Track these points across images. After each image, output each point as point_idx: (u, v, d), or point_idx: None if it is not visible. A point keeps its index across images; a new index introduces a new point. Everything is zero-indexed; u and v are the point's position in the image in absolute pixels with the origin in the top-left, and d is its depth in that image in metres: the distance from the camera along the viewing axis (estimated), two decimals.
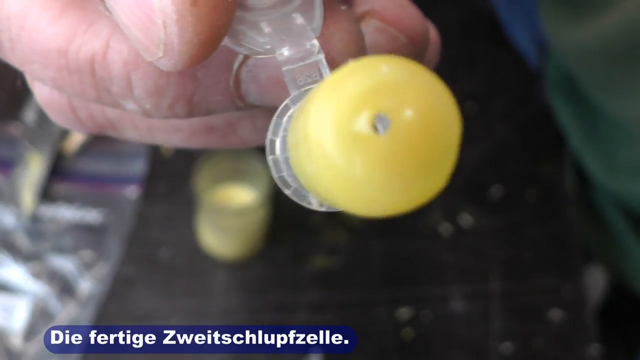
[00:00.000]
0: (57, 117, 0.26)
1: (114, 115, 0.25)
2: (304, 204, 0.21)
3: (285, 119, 0.21)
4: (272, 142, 0.21)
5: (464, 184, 0.70)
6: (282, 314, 0.63)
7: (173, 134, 0.26)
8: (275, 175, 0.21)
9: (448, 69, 0.85)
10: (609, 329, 0.66)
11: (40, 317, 0.62)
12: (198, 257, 0.66)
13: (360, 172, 0.16)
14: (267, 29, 0.21)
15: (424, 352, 0.62)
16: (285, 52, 0.21)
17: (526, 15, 0.70)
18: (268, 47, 0.21)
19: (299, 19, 0.21)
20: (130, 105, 0.22)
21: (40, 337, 0.61)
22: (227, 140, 0.26)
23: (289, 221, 0.67)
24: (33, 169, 0.68)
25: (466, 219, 0.68)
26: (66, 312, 0.63)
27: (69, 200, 0.68)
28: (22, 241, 0.66)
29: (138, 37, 0.19)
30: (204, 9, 0.18)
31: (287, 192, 0.21)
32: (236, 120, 0.25)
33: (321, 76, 0.21)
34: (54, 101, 0.25)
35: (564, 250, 0.67)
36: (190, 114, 0.22)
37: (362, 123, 0.16)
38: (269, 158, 0.21)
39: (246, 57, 0.21)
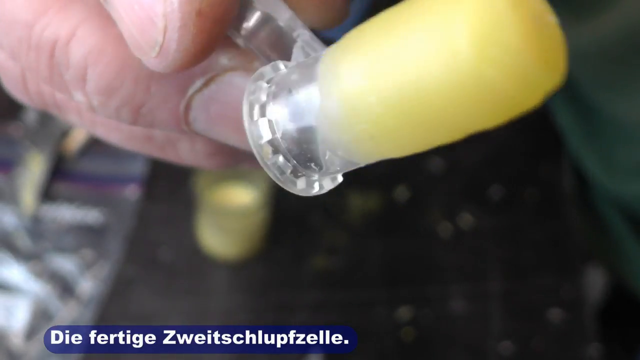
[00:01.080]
0: (7, 83, 0.26)
1: (61, 97, 0.25)
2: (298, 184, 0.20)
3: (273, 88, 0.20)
4: (270, 123, 0.19)
5: (464, 184, 0.70)
6: (282, 314, 0.63)
7: (113, 132, 0.26)
8: (271, 159, 0.20)
9: None
10: (609, 329, 0.66)
11: (41, 316, 0.62)
12: (198, 257, 0.66)
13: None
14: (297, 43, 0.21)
15: (424, 352, 0.62)
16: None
17: None
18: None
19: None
20: (79, 97, 0.22)
21: (41, 337, 0.62)
22: (164, 153, 0.26)
23: (289, 221, 0.67)
24: (34, 169, 0.68)
25: (466, 219, 0.68)
26: (66, 312, 0.63)
27: (70, 200, 0.68)
28: (23, 241, 0.66)
29: (132, 34, 0.19)
30: (207, 21, 0.19)
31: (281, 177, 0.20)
32: (176, 138, 0.25)
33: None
34: (7, 67, 0.25)
35: (563, 250, 0.67)
36: (134, 122, 0.22)
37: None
38: (263, 142, 0.19)
39: (203, 86, 0.21)
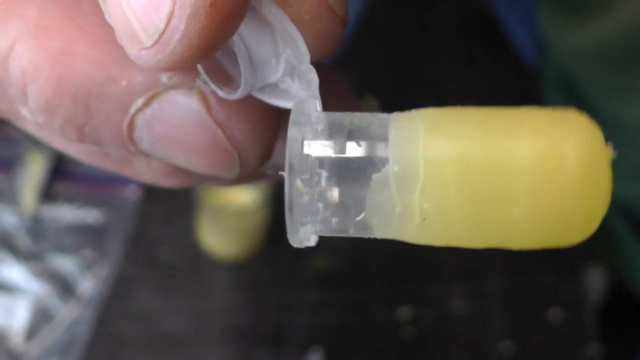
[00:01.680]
0: None
1: (15, 111, 0.24)
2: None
3: (301, 154, 0.18)
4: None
5: None
6: (282, 314, 0.63)
7: (69, 147, 0.25)
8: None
9: (448, 69, 0.85)
10: (608, 329, 0.66)
11: (41, 316, 0.62)
12: (198, 257, 0.66)
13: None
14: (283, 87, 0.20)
15: (424, 352, 0.62)
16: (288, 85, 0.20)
17: (525, 16, 0.70)
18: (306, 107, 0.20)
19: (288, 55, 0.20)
20: (25, 113, 0.21)
21: (41, 337, 0.62)
22: (121, 169, 0.25)
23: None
24: (34, 169, 0.68)
25: None
26: (67, 312, 0.63)
27: (70, 200, 0.68)
28: (23, 241, 0.66)
29: (127, 17, 0.18)
30: (220, 15, 0.17)
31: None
32: (131, 155, 0.24)
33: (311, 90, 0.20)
34: None
35: (563, 250, 0.67)
36: (81, 140, 0.21)
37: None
38: (302, 177, 0.18)
39: (145, 104, 0.20)
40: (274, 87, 0.21)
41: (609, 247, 0.67)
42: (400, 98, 0.74)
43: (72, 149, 0.25)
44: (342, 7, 0.22)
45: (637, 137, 0.58)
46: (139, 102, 0.20)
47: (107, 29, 0.19)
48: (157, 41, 0.17)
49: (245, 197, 0.66)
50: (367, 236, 0.19)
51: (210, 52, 0.18)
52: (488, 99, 0.74)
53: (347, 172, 0.18)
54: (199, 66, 0.20)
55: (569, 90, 0.66)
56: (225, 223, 0.64)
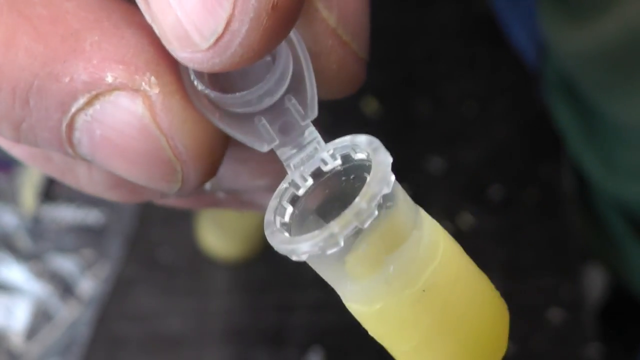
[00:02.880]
0: None
1: None
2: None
3: (284, 202, 0.20)
4: (269, 221, 0.20)
5: (464, 184, 0.70)
6: (282, 314, 0.63)
7: (13, 148, 0.24)
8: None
9: (448, 69, 0.85)
10: (608, 329, 0.66)
11: (41, 316, 0.62)
12: (198, 257, 0.66)
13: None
14: (262, 125, 0.20)
15: None
16: (287, 151, 0.20)
17: (525, 17, 0.70)
18: (267, 149, 0.20)
19: (293, 104, 0.20)
20: None
21: (41, 337, 0.62)
22: (64, 177, 0.24)
23: None
24: (34, 169, 0.68)
25: (466, 219, 0.68)
26: (67, 312, 0.63)
27: (70, 200, 0.68)
28: (23, 241, 0.66)
29: (179, 19, 0.17)
30: (281, 18, 0.17)
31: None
32: (73, 162, 0.23)
33: (316, 150, 0.20)
34: None
35: (563, 250, 0.67)
36: (17, 139, 0.20)
37: None
38: (267, 231, 0.19)
39: (86, 104, 0.19)
40: (247, 119, 0.20)
41: (608, 247, 0.67)
42: (400, 98, 0.74)
43: (17, 151, 0.24)
44: (366, 51, 0.22)
45: (636, 138, 0.58)
46: (81, 101, 0.19)
47: (57, 24, 0.19)
48: (214, 44, 0.17)
49: None
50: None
51: (265, 54, 0.18)
52: (488, 99, 0.74)
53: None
54: (190, 71, 0.20)
55: (568, 91, 0.66)
56: (225, 223, 0.64)
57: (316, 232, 0.18)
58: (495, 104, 0.74)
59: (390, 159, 0.19)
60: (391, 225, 0.19)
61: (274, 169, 0.23)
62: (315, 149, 0.20)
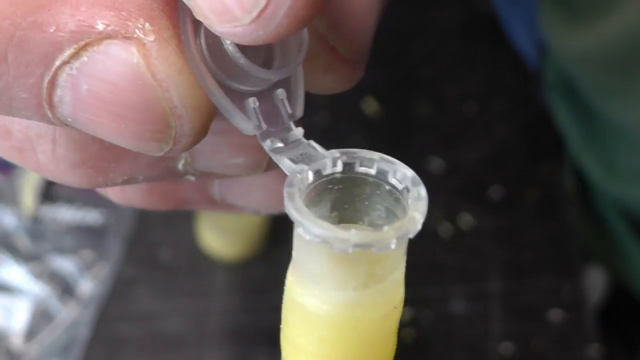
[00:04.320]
0: None
1: None
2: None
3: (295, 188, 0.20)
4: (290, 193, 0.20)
5: (464, 184, 0.70)
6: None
7: None
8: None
9: (448, 69, 0.85)
10: (609, 329, 0.66)
11: (41, 317, 0.62)
12: (198, 257, 0.66)
13: None
14: (254, 108, 0.20)
15: (424, 353, 0.62)
16: (272, 143, 0.20)
17: (526, 17, 0.70)
18: (253, 132, 0.20)
19: (282, 99, 0.20)
20: None
21: (41, 338, 0.62)
22: (22, 155, 0.22)
23: (289, 221, 0.67)
24: None
25: (466, 219, 0.68)
26: (67, 313, 0.63)
27: (70, 200, 0.68)
28: (23, 241, 0.66)
29: None
30: None
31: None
32: (36, 136, 0.21)
33: (315, 152, 0.20)
34: None
35: (563, 250, 0.67)
36: None
37: None
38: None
39: (72, 56, 0.17)
40: (238, 97, 0.20)
41: (609, 248, 0.67)
42: (400, 98, 0.74)
43: None
44: (360, 53, 0.21)
45: (636, 140, 0.58)
46: (67, 52, 0.17)
47: None
48: (257, 17, 0.16)
49: None
50: None
51: (308, 23, 0.17)
52: (488, 100, 0.74)
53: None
54: (202, 36, 0.18)
55: (569, 92, 0.66)
56: (225, 223, 0.64)
57: (336, 228, 0.18)
58: (495, 104, 0.74)
59: (425, 192, 0.20)
60: (396, 257, 0.20)
61: (254, 144, 0.22)
62: (311, 149, 0.20)
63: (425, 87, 0.74)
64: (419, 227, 0.19)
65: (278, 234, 0.67)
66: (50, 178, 0.22)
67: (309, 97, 0.21)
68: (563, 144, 0.69)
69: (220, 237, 0.65)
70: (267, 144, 0.20)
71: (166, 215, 0.68)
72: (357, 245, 0.18)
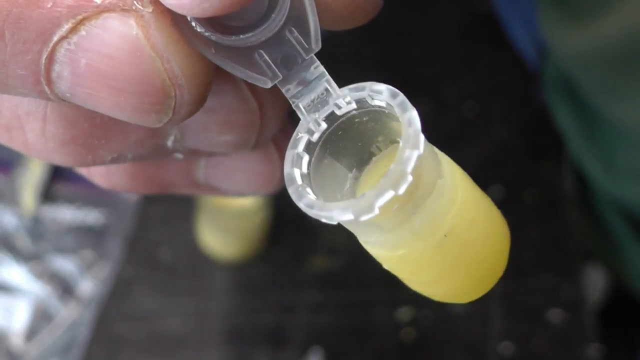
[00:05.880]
0: None
1: None
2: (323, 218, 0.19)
3: (300, 150, 0.20)
4: (290, 175, 0.19)
5: None
6: (282, 314, 0.63)
7: None
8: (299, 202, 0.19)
9: (448, 69, 0.85)
10: (609, 329, 0.66)
11: (41, 317, 0.62)
12: (198, 257, 0.66)
13: None
14: (263, 59, 0.19)
15: (424, 352, 0.62)
16: (292, 88, 0.19)
17: (526, 17, 0.70)
18: (270, 84, 0.19)
19: (295, 36, 0.19)
20: None
21: (41, 338, 0.62)
22: (10, 134, 0.21)
23: (289, 221, 0.67)
24: (34, 170, 0.68)
25: None
26: (67, 313, 0.63)
27: (70, 200, 0.68)
28: (23, 241, 0.66)
29: None
30: None
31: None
32: (25, 114, 0.21)
33: (329, 93, 0.20)
34: None
35: (563, 250, 0.67)
36: None
37: None
38: (290, 189, 0.19)
39: (70, 31, 0.17)
40: (245, 53, 0.19)
41: (609, 248, 0.67)
42: None
43: None
44: None
45: (636, 139, 0.58)
46: (65, 28, 0.17)
47: None
48: None
49: (245, 197, 0.66)
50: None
51: None
52: (488, 99, 0.74)
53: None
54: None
55: (568, 91, 0.65)
56: (225, 223, 0.64)
57: (353, 201, 0.18)
58: (495, 104, 0.74)
59: (417, 116, 0.19)
60: (421, 183, 0.19)
61: (244, 119, 0.22)
62: (327, 89, 0.20)
63: (425, 87, 0.74)
64: (403, 170, 0.18)
65: (278, 234, 0.67)
66: (38, 157, 0.22)
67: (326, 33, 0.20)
68: (563, 144, 0.69)
69: (220, 237, 0.65)
70: (285, 90, 0.20)
71: (166, 215, 0.68)
72: (381, 207, 0.18)
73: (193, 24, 0.18)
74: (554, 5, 0.61)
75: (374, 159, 0.21)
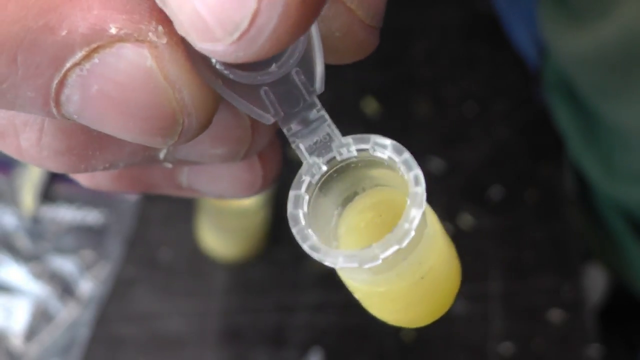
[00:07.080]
0: None
1: None
2: (322, 260, 0.21)
3: (303, 191, 0.21)
4: (294, 216, 0.21)
5: (464, 184, 0.70)
6: (282, 314, 0.63)
7: None
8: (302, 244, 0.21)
9: (448, 69, 0.85)
10: (609, 329, 0.66)
11: (41, 317, 0.62)
12: (198, 257, 0.66)
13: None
14: (268, 96, 0.20)
15: (424, 353, 0.62)
16: (294, 127, 0.20)
17: (526, 17, 0.70)
18: (271, 121, 0.20)
19: (300, 78, 0.20)
20: None
21: (41, 338, 0.62)
22: (4, 141, 0.21)
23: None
24: (34, 170, 0.68)
25: (466, 220, 0.68)
26: (67, 313, 0.63)
27: (70, 200, 0.68)
28: (23, 242, 0.66)
29: (198, 12, 0.16)
30: (308, 10, 0.16)
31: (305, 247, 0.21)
32: (22, 124, 0.21)
33: (331, 139, 0.21)
34: None
35: (563, 250, 0.67)
36: None
37: None
38: (294, 229, 0.21)
39: (84, 58, 0.18)
40: (251, 89, 0.20)
41: (609, 249, 0.67)
42: (400, 98, 0.74)
43: None
44: (376, 18, 0.21)
45: (635, 141, 0.58)
46: (78, 55, 0.17)
47: None
48: (238, 39, 0.16)
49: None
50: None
51: (292, 43, 0.17)
52: (488, 100, 0.74)
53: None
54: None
55: (568, 92, 0.66)
56: (225, 223, 0.64)
57: (359, 252, 0.20)
58: (495, 104, 0.74)
59: (422, 175, 0.20)
60: (416, 235, 0.20)
61: (237, 135, 0.23)
62: (328, 134, 0.21)
63: (425, 87, 0.74)
64: (409, 228, 0.20)
65: (278, 234, 0.67)
66: (29, 163, 0.22)
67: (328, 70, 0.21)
68: (563, 144, 0.69)
69: (220, 237, 0.65)
70: (286, 129, 0.20)
71: (166, 215, 0.68)
72: (384, 258, 0.20)
73: (213, 61, 0.19)
74: (553, 7, 0.61)
75: (356, 197, 0.23)
